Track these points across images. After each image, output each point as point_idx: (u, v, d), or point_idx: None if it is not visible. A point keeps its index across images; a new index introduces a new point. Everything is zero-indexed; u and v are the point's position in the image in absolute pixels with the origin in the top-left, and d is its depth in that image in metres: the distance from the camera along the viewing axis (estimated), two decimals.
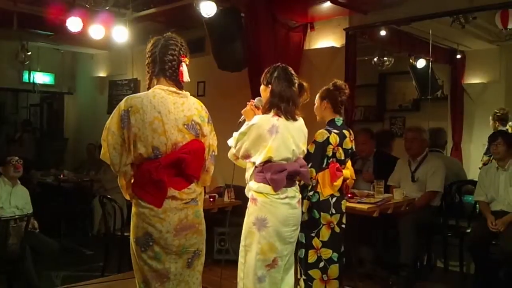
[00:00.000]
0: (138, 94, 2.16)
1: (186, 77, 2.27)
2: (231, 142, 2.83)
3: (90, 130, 7.96)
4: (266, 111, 2.78)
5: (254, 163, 2.76)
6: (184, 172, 2.15)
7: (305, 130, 2.89)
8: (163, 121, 2.10)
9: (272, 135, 2.68)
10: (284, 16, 5.18)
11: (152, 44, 2.25)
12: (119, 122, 2.09)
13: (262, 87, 2.86)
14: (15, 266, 3.87)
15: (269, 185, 2.70)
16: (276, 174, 2.69)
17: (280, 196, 2.72)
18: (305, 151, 2.93)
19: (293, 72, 2.85)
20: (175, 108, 2.15)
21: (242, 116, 2.92)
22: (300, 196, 2.89)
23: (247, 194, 2.87)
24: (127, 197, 2.21)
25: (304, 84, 2.93)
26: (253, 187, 2.76)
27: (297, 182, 2.89)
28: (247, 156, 2.77)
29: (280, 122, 2.71)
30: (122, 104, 2.12)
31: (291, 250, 2.83)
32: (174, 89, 2.19)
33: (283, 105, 2.73)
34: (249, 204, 2.79)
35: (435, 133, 5.01)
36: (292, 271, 2.90)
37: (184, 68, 2.25)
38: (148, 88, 2.23)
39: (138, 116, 2.07)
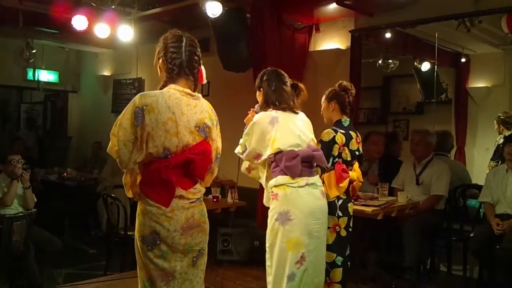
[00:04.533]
0: (152, 93, 2.12)
1: (204, 79, 2.29)
2: (237, 150, 2.88)
3: (93, 128, 7.99)
4: (263, 110, 2.86)
5: (265, 160, 2.79)
6: (192, 173, 2.15)
7: (308, 121, 2.95)
8: (177, 122, 2.09)
9: (274, 125, 2.75)
10: (289, 17, 5.19)
11: (175, 41, 2.19)
12: (133, 119, 2.05)
13: (257, 93, 2.97)
14: (18, 263, 3.88)
15: (286, 174, 2.71)
16: (290, 161, 2.70)
17: (300, 184, 2.72)
18: (315, 140, 2.96)
19: (283, 73, 2.95)
20: (188, 110, 2.14)
21: (246, 126, 2.95)
22: (323, 187, 2.88)
23: (267, 204, 2.86)
24: (130, 195, 2.20)
25: (299, 84, 3.01)
26: (271, 184, 2.76)
27: (315, 169, 2.88)
28: (257, 156, 2.81)
29: (279, 113, 2.79)
30: (136, 100, 2.07)
31: (318, 245, 2.77)
32: (188, 90, 2.18)
33: (277, 99, 2.83)
34: (270, 201, 2.77)
35: (442, 137, 4.98)
36: (322, 271, 2.85)
37: (203, 70, 2.26)
38: (163, 87, 2.18)
39: (152, 116, 2.04)
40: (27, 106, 9.63)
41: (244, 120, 3.01)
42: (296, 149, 2.75)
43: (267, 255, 2.75)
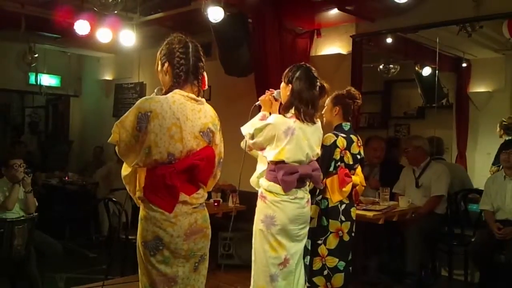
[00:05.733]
0: (157, 98, 2.11)
1: (206, 85, 2.29)
2: (244, 131, 2.84)
3: (95, 132, 7.99)
4: (285, 110, 2.79)
5: (266, 156, 2.79)
6: (195, 178, 2.15)
7: (321, 132, 2.92)
8: (181, 128, 2.09)
9: (287, 136, 2.70)
10: (291, 22, 5.20)
11: (182, 46, 2.19)
12: (135, 123, 2.05)
13: (282, 84, 2.86)
14: (19, 268, 3.88)
15: (279, 185, 2.72)
16: (288, 175, 2.71)
17: (289, 197, 2.74)
18: (319, 154, 2.94)
19: (316, 74, 2.83)
20: (192, 115, 2.14)
21: (258, 102, 2.94)
22: (309, 196, 2.90)
23: (252, 184, 2.92)
24: (135, 199, 2.20)
25: (326, 85, 2.89)
26: (263, 185, 2.78)
27: (308, 183, 2.89)
28: (261, 148, 2.81)
29: (297, 124, 2.73)
30: (140, 105, 2.07)
31: (300, 248, 2.83)
32: (193, 95, 2.18)
33: (302, 107, 2.74)
34: (258, 200, 2.81)
35: (432, 142, 4.99)
36: (302, 271, 2.89)
37: (205, 76, 2.27)
38: (168, 91, 2.17)
39: (157, 122, 2.04)
40: (29, 110, 9.66)
41: (259, 98, 2.94)
42: (297, 165, 2.74)
43: (253, 252, 2.83)
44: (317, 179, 2.89)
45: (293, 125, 2.72)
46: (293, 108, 2.76)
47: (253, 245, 2.82)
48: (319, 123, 2.89)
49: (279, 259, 2.73)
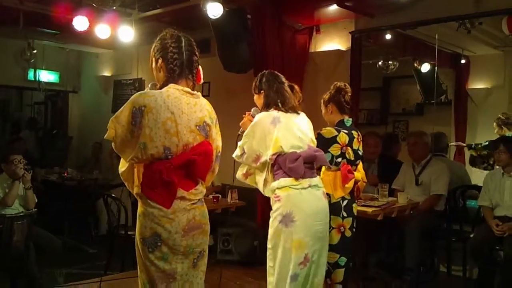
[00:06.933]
0: (151, 92, 2.11)
1: (201, 79, 2.29)
2: (236, 153, 2.86)
3: (94, 128, 7.97)
4: (265, 110, 2.84)
5: (264, 162, 2.76)
6: (193, 173, 2.15)
7: (309, 120, 2.95)
8: (176, 122, 2.08)
9: (276, 125, 2.74)
10: (290, 18, 5.20)
11: (174, 41, 2.19)
12: (130, 118, 2.05)
13: (255, 96, 2.96)
14: (19, 264, 3.88)
15: (289, 176, 2.70)
16: (292, 162, 2.69)
17: (303, 185, 2.71)
18: (315, 141, 2.94)
19: (280, 74, 2.96)
20: (188, 109, 2.14)
21: (241, 129, 2.96)
22: (324, 187, 2.87)
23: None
24: (136, 191, 2.18)
25: (295, 86, 3.02)
26: (274, 186, 2.74)
27: (316, 168, 2.87)
28: (257, 158, 2.78)
29: (281, 113, 2.79)
30: (135, 100, 2.07)
31: (321, 246, 2.76)
32: (188, 89, 2.18)
33: (280, 99, 2.83)
34: (273, 204, 2.75)
35: (437, 138, 5.01)
36: (322, 271, 2.82)
37: (200, 70, 2.27)
38: (162, 86, 2.18)
39: (151, 116, 2.04)
40: (28, 106, 9.64)
41: (240, 124, 3.00)
42: (297, 151, 2.74)
43: (269, 256, 2.74)
44: (323, 158, 2.87)
45: (277, 114, 2.78)
46: (272, 104, 2.84)
47: (269, 250, 2.73)
48: (303, 114, 2.93)
49: (300, 258, 2.66)
